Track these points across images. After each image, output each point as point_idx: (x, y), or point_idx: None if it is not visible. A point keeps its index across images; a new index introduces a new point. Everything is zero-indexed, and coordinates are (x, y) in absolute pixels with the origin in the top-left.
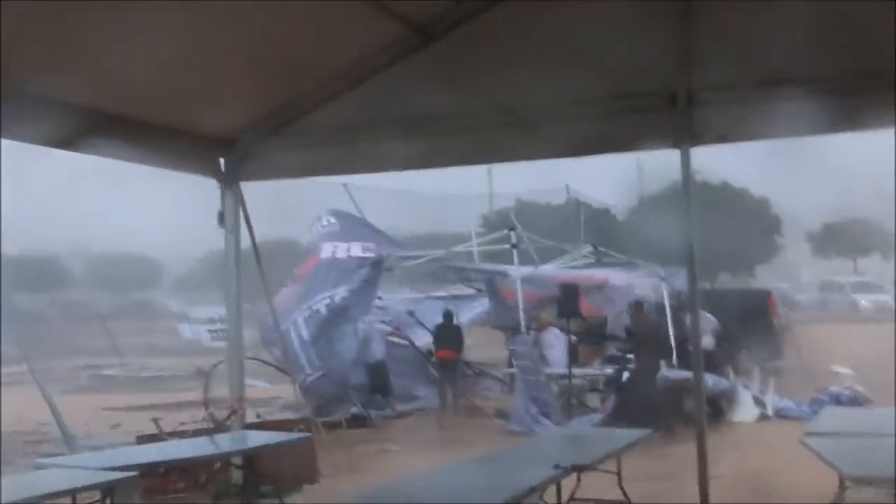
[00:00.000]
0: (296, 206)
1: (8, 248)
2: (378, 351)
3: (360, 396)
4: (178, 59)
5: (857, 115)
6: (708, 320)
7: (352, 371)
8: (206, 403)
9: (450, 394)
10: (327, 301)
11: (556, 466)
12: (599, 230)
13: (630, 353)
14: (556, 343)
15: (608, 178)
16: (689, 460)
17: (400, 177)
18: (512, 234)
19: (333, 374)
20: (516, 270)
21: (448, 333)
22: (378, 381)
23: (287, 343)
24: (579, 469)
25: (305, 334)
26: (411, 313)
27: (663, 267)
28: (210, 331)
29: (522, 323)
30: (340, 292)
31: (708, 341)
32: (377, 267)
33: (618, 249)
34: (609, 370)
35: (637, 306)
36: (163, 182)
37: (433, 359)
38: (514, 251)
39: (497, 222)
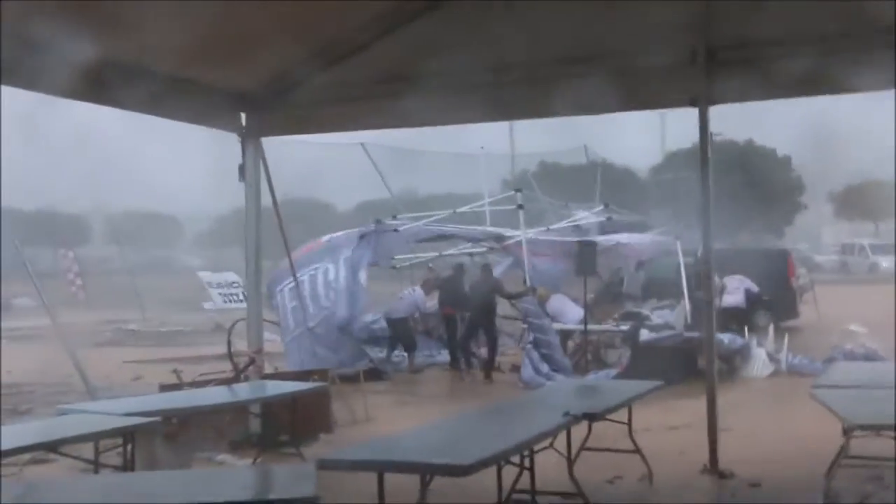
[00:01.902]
0: (315, 167)
1: (24, 203)
2: (400, 308)
3: (376, 351)
4: (200, 11)
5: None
6: (740, 280)
7: (350, 327)
8: (230, 355)
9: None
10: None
11: (567, 414)
12: (619, 190)
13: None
14: (564, 306)
15: (632, 139)
16: (701, 413)
17: (419, 136)
18: (518, 194)
19: (320, 330)
20: (520, 232)
21: (451, 289)
22: (400, 337)
23: (280, 302)
24: (590, 418)
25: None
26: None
27: (682, 226)
28: (223, 294)
29: (528, 282)
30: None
31: (737, 299)
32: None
33: (637, 209)
34: (625, 327)
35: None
36: (184, 137)
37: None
38: (521, 212)
39: (516, 184)
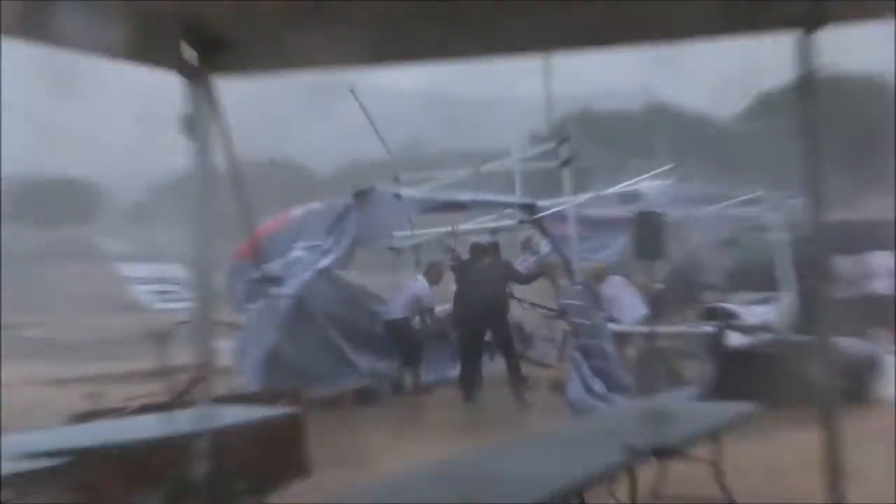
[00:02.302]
0: (288, 117)
1: None
2: (398, 305)
3: (370, 364)
4: None
5: None
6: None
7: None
8: (163, 370)
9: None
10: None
11: (630, 449)
12: (691, 143)
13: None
14: (622, 296)
15: (705, 79)
16: (816, 449)
17: (432, 76)
18: (562, 147)
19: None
20: (561, 200)
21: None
22: (399, 346)
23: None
24: (662, 454)
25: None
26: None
27: (778, 191)
28: (156, 292)
29: (576, 266)
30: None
31: (885, 285)
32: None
33: (719, 169)
34: (708, 328)
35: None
36: (105, 79)
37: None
38: (565, 171)
39: (552, 135)
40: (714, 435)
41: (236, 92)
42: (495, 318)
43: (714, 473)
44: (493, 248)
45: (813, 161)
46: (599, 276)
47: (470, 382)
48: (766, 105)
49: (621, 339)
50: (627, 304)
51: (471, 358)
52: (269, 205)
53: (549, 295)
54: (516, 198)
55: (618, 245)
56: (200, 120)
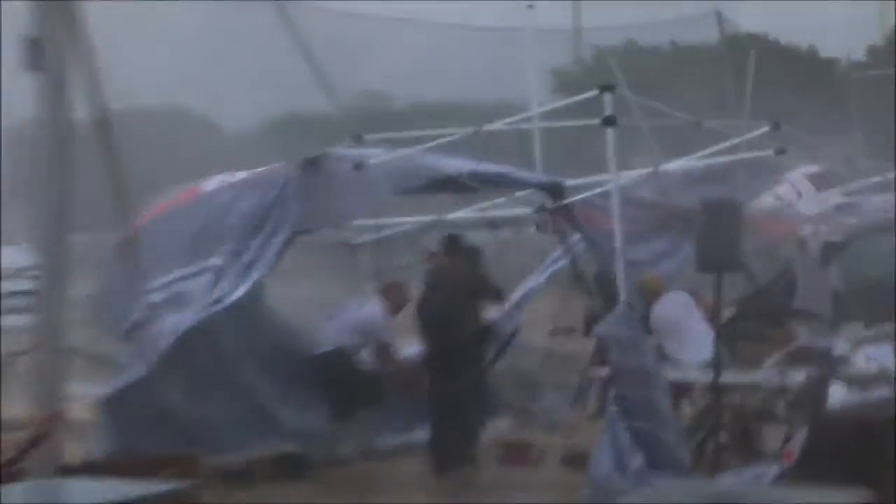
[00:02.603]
0: (191, 49)
1: None
2: (330, 334)
3: (297, 419)
4: None
5: None
6: None
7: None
8: None
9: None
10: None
11: None
12: (791, 93)
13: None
14: (685, 324)
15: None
16: None
17: None
18: (606, 97)
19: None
20: (606, 177)
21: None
22: (335, 391)
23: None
24: None
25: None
26: None
27: None
28: None
29: (621, 280)
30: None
31: None
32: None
33: (833, 129)
34: (801, 376)
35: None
36: None
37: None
38: (610, 132)
39: (583, 79)
40: None
41: (109, 10)
42: (460, 353)
43: None
44: (466, 250)
45: None
46: (653, 293)
47: (444, 448)
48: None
49: (678, 389)
50: (693, 338)
51: (443, 411)
52: (163, 174)
53: (568, 317)
54: (535, 174)
55: (682, 252)
56: (54, 52)
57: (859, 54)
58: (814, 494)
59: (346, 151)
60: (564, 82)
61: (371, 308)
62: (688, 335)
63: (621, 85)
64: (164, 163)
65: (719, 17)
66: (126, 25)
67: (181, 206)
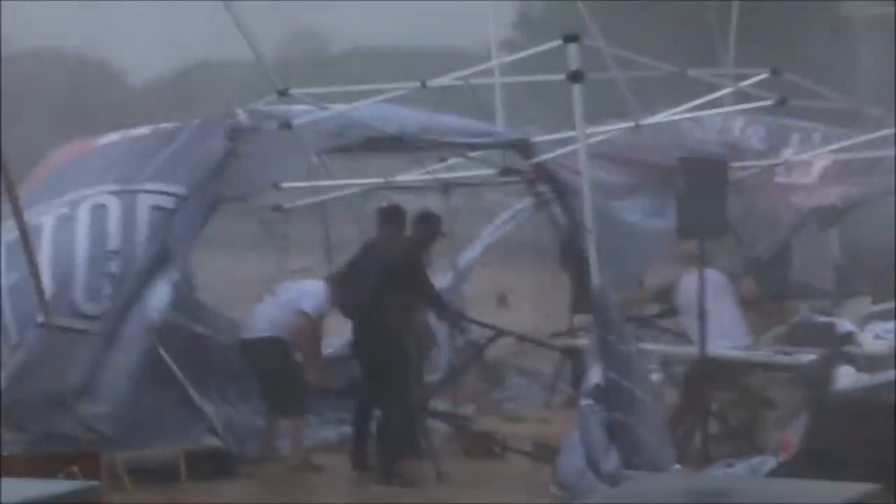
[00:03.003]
0: None
1: None
2: (264, 319)
3: (222, 411)
4: None
5: None
6: None
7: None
8: None
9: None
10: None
11: None
12: (783, 38)
13: None
14: (712, 305)
15: None
16: None
17: None
18: (571, 48)
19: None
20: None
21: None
22: (264, 384)
23: None
24: None
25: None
26: None
27: None
28: None
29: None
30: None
31: None
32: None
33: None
34: (806, 357)
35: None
36: None
37: None
38: (577, 89)
39: (546, 24)
40: None
41: None
42: (386, 348)
43: None
44: (393, 214)
45: None
46: (685, 258)
47: (362, 442)
48: None
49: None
50: (718, 324)
51: (369, 407)
52: (55, 131)
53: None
54: (497, 128)
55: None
56: None
57: None
58: (814, 488)
59: (272, 108)
60: (530, 25)
61: (309, 288)
62: (714, 319)
63: (590, 33)
64: (59, 113)
65: None
66: None
67: (74, 160)
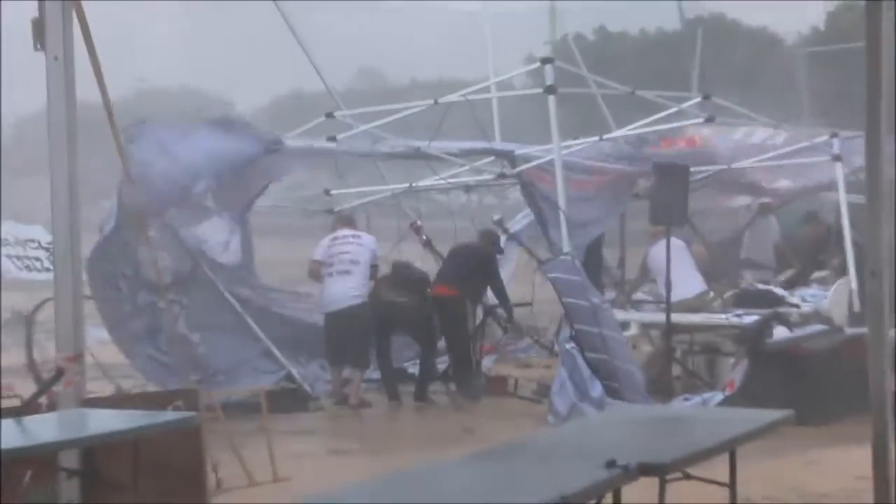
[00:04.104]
0: (199, 32)
1: None
2: (343, 289)
3: (298, 361)
4: None
5: None
6: None
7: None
8: (30, 363)
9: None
10: None
11: (611, 465)
12: (742, 71)
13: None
14: (676, 264)
15: None
16: (863, 469)
17: None
18: (547, 68)
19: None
20: (549, 146)
21: (455, 253)
22: (344, 346)
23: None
24: (653, 471)
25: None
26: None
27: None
28: (15, 258)
29: (563, 233)
30: None
31: None
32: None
33: (778, 102)
34: (748, 318)
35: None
36: None
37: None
38: (551, 99)
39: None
40: (728, 448)
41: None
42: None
43: (729, 497)
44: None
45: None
46: (652, 235)
47: (391, 375)
48: (838, 25)
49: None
50: (682, 278)
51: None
52: None
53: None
54: (484, 143)
55: (612, 217)
56: (57, 30)
57: (806, 29)
58: (747, 414)
59: (265, 135)
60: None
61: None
62: (678, 275)
63: (578, 62)
64: None
65: (679, 6)
66: (138, 18)
67: None
